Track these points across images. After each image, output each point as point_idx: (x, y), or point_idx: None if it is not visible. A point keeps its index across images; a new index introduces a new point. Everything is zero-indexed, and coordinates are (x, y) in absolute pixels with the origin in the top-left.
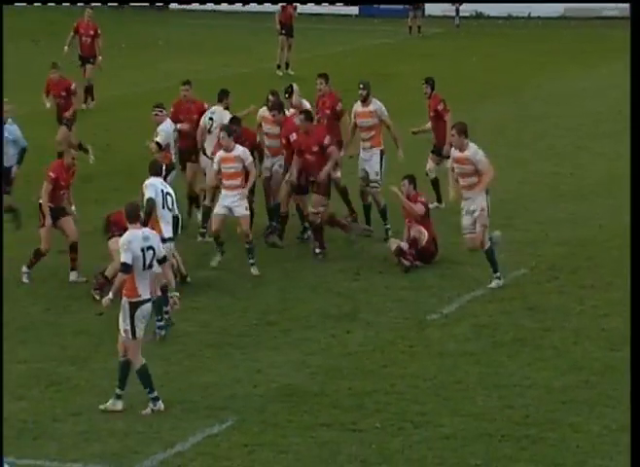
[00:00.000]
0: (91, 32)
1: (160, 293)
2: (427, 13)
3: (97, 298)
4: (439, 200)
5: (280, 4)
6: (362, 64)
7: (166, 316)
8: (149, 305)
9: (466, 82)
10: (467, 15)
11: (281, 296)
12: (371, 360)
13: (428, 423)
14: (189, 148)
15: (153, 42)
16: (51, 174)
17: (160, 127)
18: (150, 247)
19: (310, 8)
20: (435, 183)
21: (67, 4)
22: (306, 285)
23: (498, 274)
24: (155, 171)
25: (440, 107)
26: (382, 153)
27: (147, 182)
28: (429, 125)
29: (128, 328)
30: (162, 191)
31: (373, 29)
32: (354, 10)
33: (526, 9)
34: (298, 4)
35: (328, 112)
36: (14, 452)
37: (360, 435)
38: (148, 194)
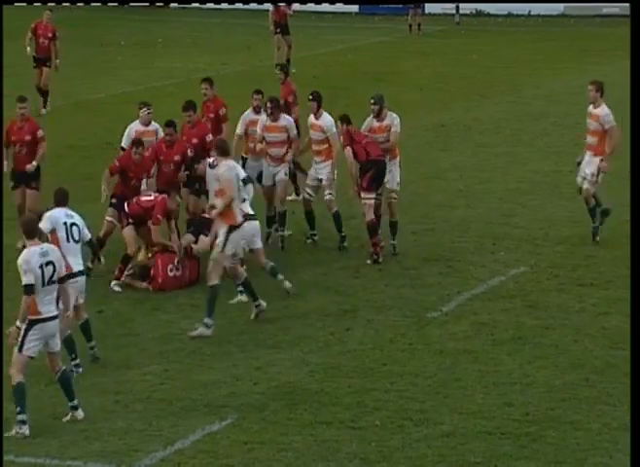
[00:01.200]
0: (49, 34)
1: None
2: (427, 11)
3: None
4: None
5: (275, 3)
6: (362, 62)
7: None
8: (51, 323)
9: (466, 80)
10: (467, 12)
11: (281, 293)
12: (370, 358)
13: (428, 421)
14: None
15: (152, 40)
16: None
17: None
18: (49, 262)
19: (310, 6)
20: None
21: (67, 4)
22: (306, 283)
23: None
24: (59, 201)
25: (290, 99)
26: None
27: (48, 213)
28: None
29: (19, 341)
30: (66, 223)
31: (373, 27)
32: (354, 8)
33: (526, 7)
34: (295, 3)
35: (212, 116)
36: (14, 450)
37: (360, 433)
38: (42, 225)
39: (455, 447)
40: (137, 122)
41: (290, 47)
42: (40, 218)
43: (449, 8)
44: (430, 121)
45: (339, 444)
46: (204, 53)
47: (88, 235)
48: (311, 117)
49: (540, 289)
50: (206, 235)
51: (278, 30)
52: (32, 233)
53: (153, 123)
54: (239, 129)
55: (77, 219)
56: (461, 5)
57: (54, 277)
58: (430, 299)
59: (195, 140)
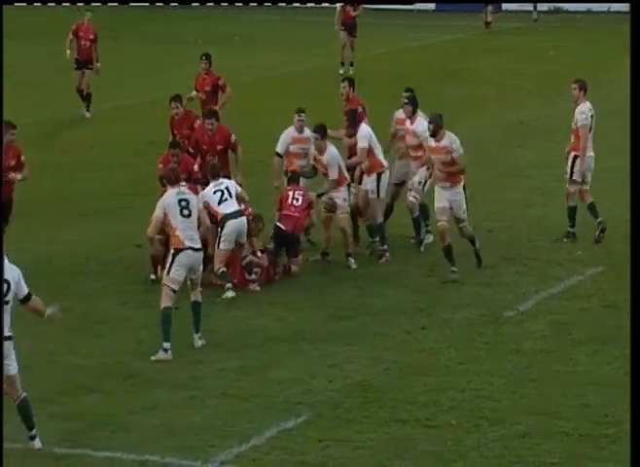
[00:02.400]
0: (91, 36)
1: None
2: (504, 7)
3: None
4: None
5: (339, 4)
6: (437, 59)
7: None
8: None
9: (543, 76)
10: (545, 9)
11: (356, 291)
12: (446, 356)
13: (504, 421)
14: None
15: (228, 38)
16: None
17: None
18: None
19: (386, 4)
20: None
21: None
22: (381, 281)
23: None
24: None
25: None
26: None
27: None
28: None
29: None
30: None
31: (449, 24)
32: (431, 6)
33: (606, 4)
34: (361, 4)
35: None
36: (91, 445)
37: (435, 431)
38: None
39: (532, 447)
40: (292, 128)
41: (352, 48)
42: None
43: (527, 5)
44: (507, 117)
45: (415, 442)
46: (280, 49)
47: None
48: (406, 122)
49: (618, 288)
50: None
51: (343, 28)
52: None
53: (306, 130)
54: (280, 148)
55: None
56: (539, 2)
57: (8, 297)
58: (506, 297)
59: (219, 146)
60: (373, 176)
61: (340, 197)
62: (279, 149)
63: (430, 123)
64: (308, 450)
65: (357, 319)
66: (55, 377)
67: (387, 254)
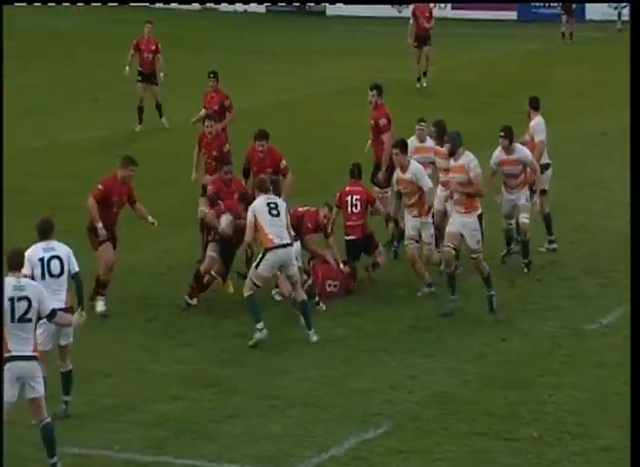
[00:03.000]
0: (152, 47)
1: None
2: (588, 17)
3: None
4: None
5: (412, 17)
6: (518, 69)
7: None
8: (22, 364)
9: (627, 87)
10: (627, 19)
11: (435, 302)
12: (527, 369)
13: (586, 435)
14: None
15: (308, 48)
16: None
17: None
18: (24, 297)
19: (467, 13)
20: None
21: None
22: (461, 292)
23: None
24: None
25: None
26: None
27: (28, 251)
28: None
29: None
30: (43, 258)
31: (531, 34)
32: (512, 15)
33: None
34: (433, 13)
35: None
36: (173, 452)
37: (516, 444)
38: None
39: (615, 462)
40: (414, 137)
41: (427, 58)
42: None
43: (612, 14)
44: (590, 128)
45: (495, 455)
46: (360, 60)
47: (75, 267)
48: (501, 154)
49: None
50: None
51: (416, 44)
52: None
53: (428, 139)
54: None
55: (61, 251)
56: (623, 11)
57: (30, 315)
58: (588, 310)
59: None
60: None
61: (428, 232)
62: None
63: (446, 142)
64: (388, 462)
65: (436, 331)
66: (139, 386)
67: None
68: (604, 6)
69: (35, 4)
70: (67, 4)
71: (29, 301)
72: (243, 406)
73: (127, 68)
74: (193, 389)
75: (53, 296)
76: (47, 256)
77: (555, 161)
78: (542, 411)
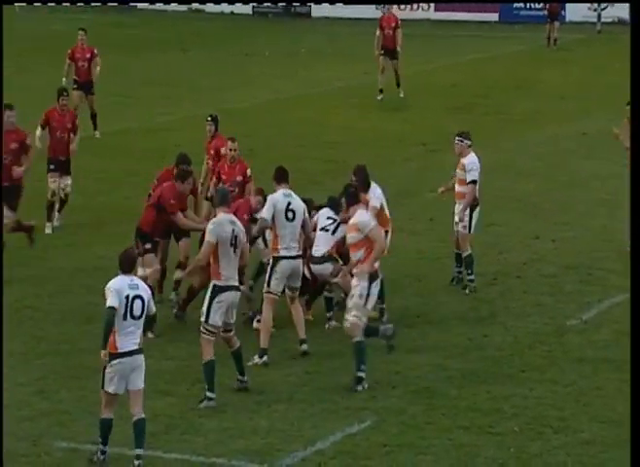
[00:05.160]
0: (87, 55)
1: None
2: (568, 18)
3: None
4: None
5: (378, 28)
6: (501, 71)
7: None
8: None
9: (609, 88)
10: (609, 21)
11: (418, 299)
12: (509, 364)
13: (567, 428)
14: None
15: (295, 50)
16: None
17: None
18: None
19: (449, 14)
20: None
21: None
22: (444, 289)
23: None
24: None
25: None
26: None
27: (110, 283)
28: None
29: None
30: (128, 296)
31: (513, 36)
32: (494, 17)
33: None
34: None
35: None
36: (162, 447)
37: (498, 438)
38: (109, 301)
39: (595, 455)
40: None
41: (397, 71)
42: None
43: (591, 16)
44: (572, 129)
45: (478, 448)
46: (346, 62)
47: (152, 308)
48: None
49: None
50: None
51: (382, 52)
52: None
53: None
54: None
55: (142, 291)
56: (603, 13)
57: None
58: (569, 306)
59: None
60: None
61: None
62: None
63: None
64: (372, 456)
65: (420, 327)
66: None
67: (473, 285)
68: (584, 7)
69: (35, 4)
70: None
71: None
72: (231, 401)
73: (64, 80)
74: (181, 385)
75: (128, 337)
76: (131, 294)
77: (539, 161)
78: (523, 405)
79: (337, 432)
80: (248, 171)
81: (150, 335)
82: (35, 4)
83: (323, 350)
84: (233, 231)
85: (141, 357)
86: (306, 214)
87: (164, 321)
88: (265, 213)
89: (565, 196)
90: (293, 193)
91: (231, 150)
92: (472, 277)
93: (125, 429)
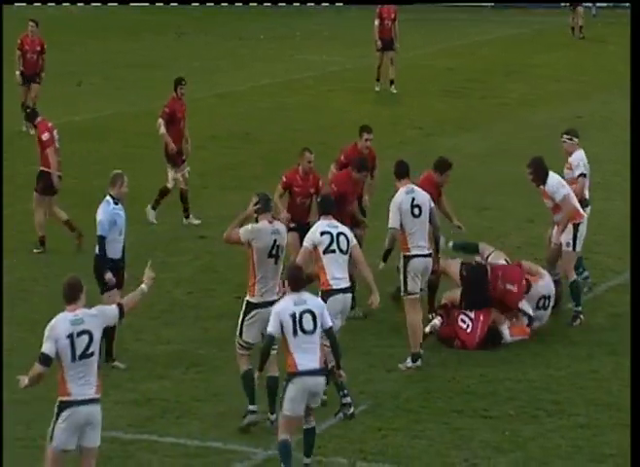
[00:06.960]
0: (37, 48)
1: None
2: (562, 3)
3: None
4: None
5: (377, 18)
6: (497, 54)
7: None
8: (81, 408)
9: (604, 72)
10: (604, 5)
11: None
12: (503, 348)
13: (562, 412)
14: None
15: (290, 34)
16: None
17: None
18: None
19: None
20: None
21: (74, 3)
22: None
23: None
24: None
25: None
26: None
27: (277, 306)
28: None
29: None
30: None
31: (509, 20)
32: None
33: None
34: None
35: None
36: (158, 430)
37: (493, 422)
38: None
39: (590, 438)
40: None
41: (392, 62)
42: None
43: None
44: (566, 112)
45: (473, 432)
46: (341, 46)
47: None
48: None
49: None
50: None
51: (380, 46)
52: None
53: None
54: None
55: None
56: None
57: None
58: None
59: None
60: (570, 227)
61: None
62: None
63: (530, 173)
64: (367, 439)
65: None
66: (124, 365)
67: (581, 316)
68: None
69: (35, 4)
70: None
71: (313, 314)
72: (226, 385)
73: (18, 73)
74: (176, 368)
75: (306, 354)
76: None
77: (534, 146)
78: (518, 388)
79: (331, 415)
80: (320, 182)
81: (120, 365)
82: (35, 4)
83: None
84: (275, 241)
85: (98, 408)
86: (432, 204)
87: (158, 306)
88: (392, 222)
89: None
90: (415, 187)
91: (309, 162)
92: (579, 309)
93: None
